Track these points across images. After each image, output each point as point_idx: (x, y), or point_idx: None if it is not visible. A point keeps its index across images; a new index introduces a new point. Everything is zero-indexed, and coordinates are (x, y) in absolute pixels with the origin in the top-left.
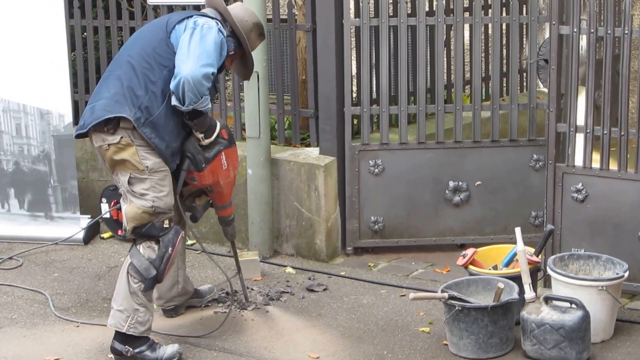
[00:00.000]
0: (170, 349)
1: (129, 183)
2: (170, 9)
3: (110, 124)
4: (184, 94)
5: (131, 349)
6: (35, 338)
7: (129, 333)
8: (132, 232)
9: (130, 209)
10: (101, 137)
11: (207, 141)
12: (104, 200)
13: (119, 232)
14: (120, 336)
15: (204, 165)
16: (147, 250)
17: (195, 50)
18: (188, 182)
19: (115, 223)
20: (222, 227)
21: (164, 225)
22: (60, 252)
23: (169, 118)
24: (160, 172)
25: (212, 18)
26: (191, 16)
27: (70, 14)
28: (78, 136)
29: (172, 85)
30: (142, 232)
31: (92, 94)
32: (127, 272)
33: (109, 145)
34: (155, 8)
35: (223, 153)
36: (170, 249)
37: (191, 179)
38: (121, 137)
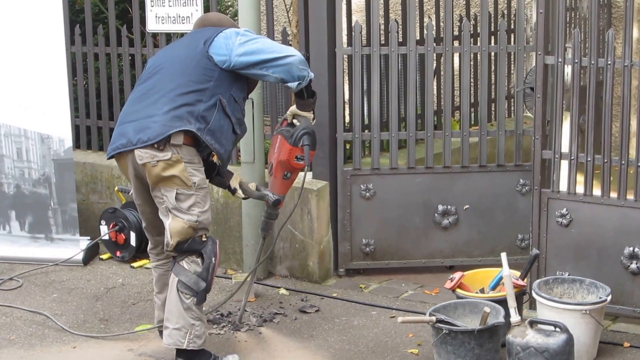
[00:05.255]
0: (232, 359)
1: (177, 199)
2: (169, 36)
3: (161, 141)
4: (295, 71)
5: None
6: None
7: (190, 348)
8: (175, 247)
9: (176, 223)
10: (149, 153)
11: (314, 122)
12: (103, 222)
13: (118, 254)
14: (183, 354)
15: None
16: (191, 265)
17: (273, 44)
18: (293, 164)
19: (114, 245)
20: (264, 221)
21: (203, 239)
22: (59, 273)
23: (221, 124)
24: (204, 189)
25: None
26: (222, 30)
27: (71, 41)
28: (113, 156)
29: (280, 74)
30: (185, 247)
31: (126, 113)
32: (177, 290)
33: (157, 161)
34: (154, 35)
35: None
36: (213, 259)
37: (300, 158)
38: (172, 154)
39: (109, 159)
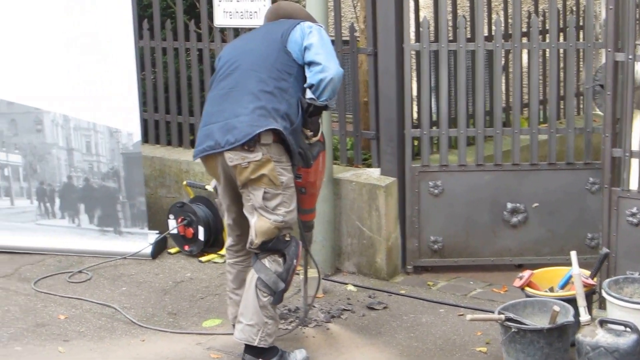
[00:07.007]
0: (300, 355)
1: (264, 198)
2: (237, 31)
3: (250, 141)
4: (325, 89)
5: None
6: (101, 352)
7: (260, 346)
8: (260, 246)
9: (263, 223)
10: (240, 155)
11: (314, 139)
12: (171, 216)
13: (186, 248)
14: (251, 350)
15: (312, 162)
16: (273, 264)
17: (329, 49)
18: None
19: (182, 239)
20: (301, 234)
21: (286, 238)
22: (128, 267)
23: (300, 123)
24: (291, 188)
25: None
26: (298, 23)
27: (140, 36)
28: (203, 157)
29: (313, 80)
30: (269, 246)
31: (210, 113)
32: (256, 287)
33: (248, 162)
34: (222, 30)
35: (321, 154)
36: (294, 260)
37: (297, 176)
38: (262, 154)
39: (195, 160)
